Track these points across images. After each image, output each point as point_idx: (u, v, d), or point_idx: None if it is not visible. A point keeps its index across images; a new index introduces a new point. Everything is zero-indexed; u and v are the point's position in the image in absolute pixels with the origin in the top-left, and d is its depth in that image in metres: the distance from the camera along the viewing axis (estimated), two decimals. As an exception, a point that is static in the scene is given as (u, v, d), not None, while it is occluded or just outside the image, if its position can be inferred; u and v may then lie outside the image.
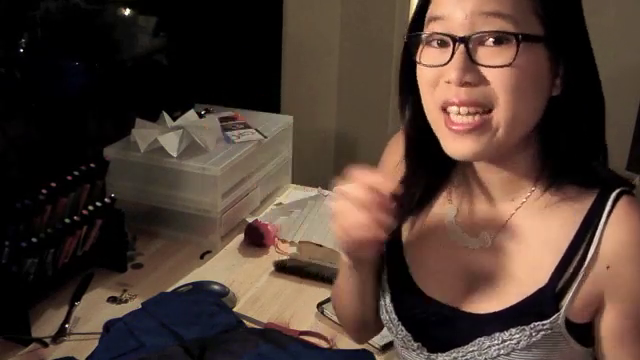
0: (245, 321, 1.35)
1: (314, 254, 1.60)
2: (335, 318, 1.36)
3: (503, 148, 0.81)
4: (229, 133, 1.75)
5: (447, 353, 0.89)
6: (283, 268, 1.53)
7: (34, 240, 1.29)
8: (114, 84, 1.84)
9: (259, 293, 1.46)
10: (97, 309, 1.38)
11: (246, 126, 1.80)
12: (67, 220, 1.37)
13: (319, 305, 1.39)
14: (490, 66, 0.77)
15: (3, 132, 1.63)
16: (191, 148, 1.64)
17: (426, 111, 0.84)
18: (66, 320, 1.33)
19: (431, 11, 0.81)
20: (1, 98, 1.64)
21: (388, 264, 0.97)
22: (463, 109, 0.79)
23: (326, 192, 1.85)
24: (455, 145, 0.81)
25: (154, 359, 1.14)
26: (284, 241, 1.67)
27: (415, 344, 0.93)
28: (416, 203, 0.94)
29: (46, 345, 1.26)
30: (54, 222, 1.37)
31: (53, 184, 1.39)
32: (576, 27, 0.83)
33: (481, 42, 0.78)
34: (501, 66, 0.77)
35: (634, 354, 0.84)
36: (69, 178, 1.44)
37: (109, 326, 1.26)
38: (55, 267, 1.38)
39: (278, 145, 1.86)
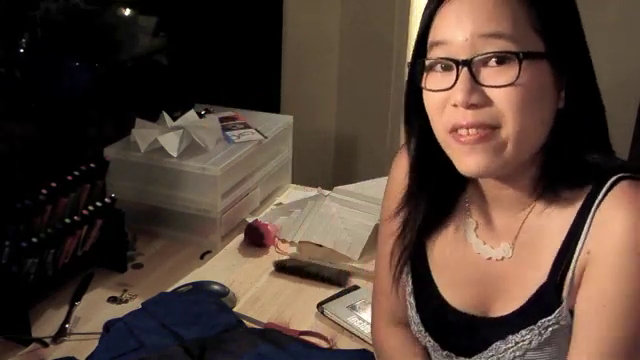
0: (245, 321, 1.35)
1: (314, 254, 1.60)
2: (335, 318, 1.36)
3: (513, 163, 0.83)
4: (229, 133, 1.75)
5: (472, 359, 0.93)
6: (283, 268, 1.53)
7: (34, 240, 1.29)
8: (114, 84, 1.84)
9: (259, 293, 1.47)
10: (97, 309, 1.38)
11: (246, 126, 1.80)
12: (67, 220, 1.37)
13: (319, 305, 1.39)
14: (494, 86, 0.79)
15: (3, 132, 1.63)
16: (191, 148, 1.64)
17: (436, 134, 0.86)
18: (66, 320, 1.33)
19: (432, 36, 0.83)
20: (1, 98, 1.64)
21: (414, 278, 1.01)
22: (472, 130, 0.80)
23: (326, 192, 1.85)
24: (465, 161, 0.83)
25: (154, 359, 1.15)
26: (284, 241, 1.67)
27: (444, 352, 0.97)
28: (436, 218, 0.98)
29: (46, 345, 1.26)
30: (54, 222, 1.37)
31: (53, 184, 1.39)
32: (576, 40, 0.84)
33: (484, 63, 0.79)
34: (505, 85, 0.78)
35: (592, 338, 0.83)
36: (69, 178, 1.44)
37: (109, 326, 1.26)
38: (55, 267, 1.38)
39: (278, 145, 1.87)
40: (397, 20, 2.23)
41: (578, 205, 0.84)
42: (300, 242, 1.66)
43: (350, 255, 1.59)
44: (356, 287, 1.46)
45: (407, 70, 0.89)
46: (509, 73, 0.78)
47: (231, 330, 1.26)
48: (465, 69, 0.79)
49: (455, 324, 0.95)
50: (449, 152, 0.85)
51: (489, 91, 0.79)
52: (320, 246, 1.65)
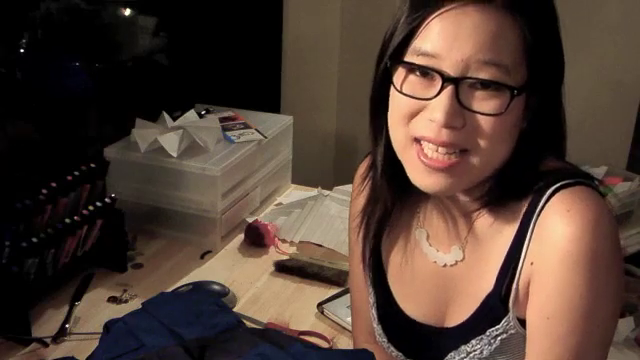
0: (245, 321, 1.34)
1: (314, 254, 1.60)
2: (335, 318, 1.36)
3: (471, 185, 0.82)
4: (229, 133, 1.75)
5: None
6: (283, 268, 1.53)
7: (34, 240, 1.29)
8: (114, 84, 1.84)
9: (259, 293, 1.47)
10: (97, 309, 1.38)
11: (246, 126, 1.80)
12: (67, 220, 1.37)
13: (319, 305, 1.39)
14: (481, 113, 0.76)
15: (3, 132, 1.63)
16: (191, 148, 1.64)
17: (394, 139, 0.83)
18: (66, 320, 1.33)
19: (419, 43, 0.78)
20: (1, 98, 1.64)
21: (374, 292, 1.01)
22: (441, 149, 0.78)
23: (326, 192, 1.85)
24: (426, 180, 0.80)
25: (154, 359, 1.15)
26: (284, 241, 1.67)
27: None
28: (377, 228, 0.96)
29: (46, 345, 1.26)
30: (54, 222, 1.37)
31: (53, 184, 1.39)
32: (558, 67, 0.82)
33: (471, 85, 0.76)
34: (492, 115, 0.76)
35: (541, 351, 0.81)
36: (69, 178, 1.44)
37: (109, 326, 1.26)
38: (55, 267, 1.38)
39: (278, 145, 1.87)
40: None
41: (521, 215, 0.83)
42: (300, 242, 1.66)
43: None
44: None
45: (380, 63, 0.85)
46: (497, 102, 0.76)
47: (231, 330, 1.26)
48: (451, 87, 0.75)
49: (414, 334, 0.95)
50: (407, 165, 0.83)
51: (470, 114, 0.76)
52: (320, 246, 1.65)
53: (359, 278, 1.04)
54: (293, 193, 1.91)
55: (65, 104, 1.75)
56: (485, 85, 0.75)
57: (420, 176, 0.81)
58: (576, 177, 0.82)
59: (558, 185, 0.80)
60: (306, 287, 1.49)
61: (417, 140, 0.80)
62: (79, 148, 1.75)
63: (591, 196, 0.79)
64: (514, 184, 0.83)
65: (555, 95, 0.82)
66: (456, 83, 0.75)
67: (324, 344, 1.29)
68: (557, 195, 0.80)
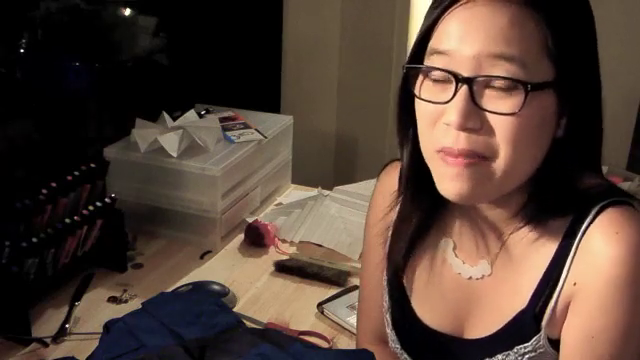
0: (245, 321, 1.34)
1: (314, 254, 1.60)
2: (335, 318, 1.36)
3: (497, 194, 0.79)
4: (229, 133, 1.75)
5: None
6: (283, 268, 1.53)
7: (34, 240, 1.29)
8: (114, 84, 1.84)
9: (259, 293, 1.46)
10: (97, 309, 1.38)
11: (246, 126, 1.80)
12: (67, 220, 1.37)
13: (319, 305, 1.39)
14: (495, 112, 0.73)
15: (3, 132, 1.64)
16: (191, 148, 1.64)
17: (423, 148, 0.81)
18: (66, 320, 1.33)
19: (434, 43, 0.77)
20: (1, 98, 1.64)
21: (390, 297, 0.99)
22: (460, 159, 0.75)
23: (326, 192, 1.85)
24: (449, 185, 0.78)
25: (154, 359, 1.14)
26: (284, 241, 1.67)
27: None
28: (415, 237, 0.93)
29: (46, 345, 1.26)
30: (54, 222, 1.37)
31: (53, 184, 1.39)
32: (589, 67, 0.79)
33: (487, 85, 0.74)
34: (507, 114, 0.73)
35: None
36: (69, 178, 1.44)
37: (109, 326, 1.26)
38: (55, 267, 1.38)
39: (278, 145, 1.87)
40: (397, 21, 2.23)
41: (562, 232, 0.81)
42: (300, 242, 1.66)
43: (350, 255, 1.59)
44: (356, 287, 1.46)
45: (402, 73, 0.82)
46: (513, 101, 0.72)
47: (231, 330, 1.26)
48: (465, 87, 0.73)
49: (430, 343, 0.94)
50: (432, 170, 0.81)
51: (487, 116, 0.74)
52: (320, 246, 1.65)
53: (373, 279, 1.03)
54: (293, 193, 1.91)
55: (65, 104, 1.75)
56: (500, 84, 0.73)
57: (443, 183, 0.79)
58: (618, 196, 0.80)
59: (603, 204, 0.79)
60: (306, 287, 1.49)
61: (439, 151, 0.78)
62: (79, 148, 1.75)
63: (636, 217, 0.78)
64: (552, 200, 0.80)
65: (591, 100, 0.79)
66: (469, 83, 0.73)
67: (324, 344, 1.29)
68: (603, 216, 0.78)
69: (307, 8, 2.31)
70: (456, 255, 0.91)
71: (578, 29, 0.77)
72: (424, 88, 0.78)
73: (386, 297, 1.00)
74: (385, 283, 1.00)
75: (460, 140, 0.75)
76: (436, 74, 0.76)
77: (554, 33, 0.74)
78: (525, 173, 0.78)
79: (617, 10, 2.07)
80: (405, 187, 0.90)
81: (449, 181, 0.78)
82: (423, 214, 0.91)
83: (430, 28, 0.77)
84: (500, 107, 0.73)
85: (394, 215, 0.96)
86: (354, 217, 1.71)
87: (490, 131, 0.74)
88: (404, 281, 0.97)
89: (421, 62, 0.79)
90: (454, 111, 0.74)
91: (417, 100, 0.80)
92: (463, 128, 0.74)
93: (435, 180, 0.80)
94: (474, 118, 0.74)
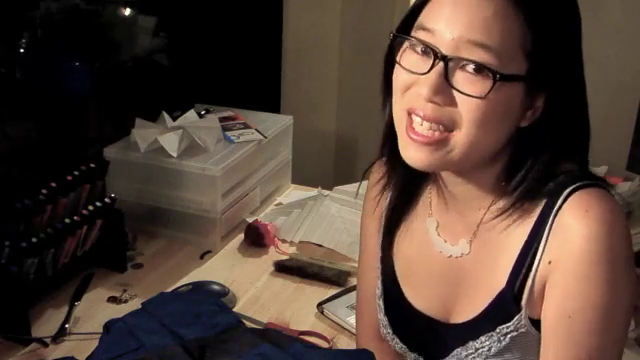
0: (245, 321, 1.34)
1: (314, 254, 1.60)
2: (335, 318, 1.36)
3: (457, 166, 0.84)
4: (229, 133, 1.75)
5: None
6: (283, 268, 1.53)
7: (34, 240, 1.29)
8: (114, 84, 1.84)
9: (259, 293, 1.46)
10: (97, 309, 1.38)
11: (246, 126, 1.80)
12: (67, 220, 1.37)
13: (319, 305, 1.39)
14: (463, 93, 0.78)
15: (3, 132, 1.64)
16: (191, 148, 1.64)
17: (394, 111, 0.85)
18: (66, 320, 1.33)
19: (422, 19, 0.82)
20: (1, 98, 1.64)
21: (383, 283, 1.01)
22: (426, 123, 0.80)
23: (326, 192, 1.85)
24: (410, 153, 0.83)
25: (154, 359, 1.14)
26: (284, 241, 1.67)
27: (412, 354, 0.98)
28: (399, 209, 0.98)
29: (46, 345, 1.26)
30: (54, 222, 1.37)
31: (53, 184, 1.39)
32: (567, 66, 0.82)
33: (461, 67, 0.78)
34: (474, 96, 0.77)
35: (560, 349, 0.82)
36: (69, 178, 1.44)
37: (109, 326, 1.26)
38: (55, 267, 1.38)
39: (278, 145, 1.86)
40: (397, 20, 2.23)
41: (536, 213, 0.84)
42: (300, 242, 1.66)
43: (350, 255, 1.59)
44: (356, 287, 1.46)
45: (389, 39, 0.88)
46: (481, 85, 0.77)
47: (231, 330, 1.26)
48: (441, 64, 0.78)
49: (420, 327, 0.96)
50: (398, 137, 0.85)
51: (455, 95, 0.78)
52: (320, 246, 1.65)
53: (370, 276, 1.05)
54: (293, 193, 1.91)
55: (65, 104, 1.75)
56: (476, 69, 0.77)
57: (406, 150, 0.83)
58: (590, 179, 0.83)
59: (574, 186, 0.82)
60: (306, 287, 1.49)
61: (409, 114, 0.82)
62: (79, 148, 1.75)
63: (606, 197, 0.81)
64: (521, 183, 0.84)
65: (567, 96, 0.82)
66: (446, 61, 0.78)
67: (324, 344, 1.29)
68: (575, 196, 0.81)
69: (307, 8, 2.31)
70: (439, 234, 0.94)
71: (560, 32, 0.81)
72: (405, 57, 0.83)
73: (379, 284, 1.02)
74: (379, 272, 1.02)
75: (427, 108, 0.79)
76: (419, 47, 0.81)
77: (534, 33, 0.78)
78: (483, 153, 0.82)
79: (617, 10, 2.07)
80: (383, 147, 0.94)
81: (411, 149, 0.82)
82: (401, 179, 0.96)
83: (422, 4, 0.83)
84: (468, 89, 0.77)
85: (385, 203, 1.00)
86: (354, 217, 1.71)
87: (456, 108, 0.79)
88: (394, 265, 0.99)
89: (408, 33, 0.84)
90: (427, 84, 0.78)
91: (397, 68, 0.84)
92: (431, 100, 0.79)
93: (399, 147, 0.85)
94: (443, 95, 0.79)
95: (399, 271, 0.99)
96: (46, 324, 1.32)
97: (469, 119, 0.78)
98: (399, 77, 0.83)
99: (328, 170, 2.44)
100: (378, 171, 1.01)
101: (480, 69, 0.77)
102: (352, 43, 2.33)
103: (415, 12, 0.84)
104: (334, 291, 1.45)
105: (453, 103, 0.79)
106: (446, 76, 0.78)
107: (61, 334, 1.29)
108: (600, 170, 1.83)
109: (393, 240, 1.00)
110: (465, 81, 0.78)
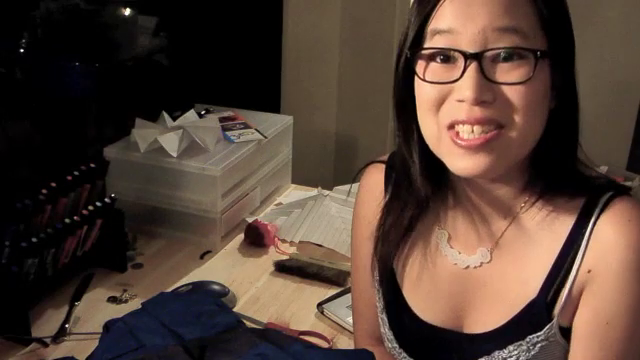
0: (245, 321, 1.34)
1: (314, 254, 1.60)
2: (335, 318, 1.36)
3: (512, 165, 0.80)
4: (229, 133, 1.75)
5: None
6: (283, 268, 1.53)
7: (34, 240, 1.29)
8: (114, 84, 1.84)
9: (259, 293, 1.46)
10: (97, 309, 1.38)
11: (246, 126, 1.80)
12: (67, 220, 1.37)
13: (319, 305, 1.39)
14: (507, 83, 0.75)
15: (3, 132, 1.63)
16: (191, 148, 1.64)
17: (426, 131, 0.81)
18: (66, 320, 1.33)
19: (435, 23, 0.78)
20: (1, 98, 1.64)
21: (384, 296, 0.98)
22: (477, 127, 0.76)
23: (326, 192, 1.85)
24: (464, 162, 0.78)
25: (154, 359, 1.14)
26: (284, 241, 1.67)
27: None
28: (405, 230, 0.93)
29: (46, 345, 1.26)
30: (54, 222, 1.37)
31: (53, 184, 1.39)
32: (571, 39, 0.82)
33: (494, 58, 0.75)
34: (518, 83, 0.75)
35: (594, 356, 0.82)
36: (69, 178, 1.44)
37: (109, 326, 1.26)
38: (55, 267, 1.38)
39: (278, 145, 1.87)
40: (397, 20, 2.23)
41: (571, 220, 0.83)
42: (300, 242, 1.66)
43: (350, 255, 1.59)
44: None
45: (399, 60, 0.83)
46: (521, 70, 0.75)
47: (231, 330, 1.26)
48: (474, 63, 0.74)
49: (430, 340, 0.93)
50: (441, 151, 0.81)
51: (498, 88, 0.75)
52: (320, 246, 1.65)
53: (364, 280, 1.03)
54: (293, 193, 1.91)
55: (65, 104, 1.74)
56: (508, 56, 0.75)
57: (459, 160, 0.79)
58: (619, 188, 0.84)
59: (611, 193, 0.82)
60: (306, 287, 1.49)
61: (450, 127, 0.78)
62: (79, 148, 1.75)
63: None
64: (555, 177, 0.83)
65: (573, 72, 0.82)
66: (478, 58, 0.75)
67: (324, 344, 1.29)
68: (614, 205, 0.81)
69: (307, 8, 2.31)
70: (451, 246, 0.91)
71: (565, 8, 0.81)
72: (429, 71, 0.79)
73: (380, 296, 0.99)
74: (377, 284, 0.99)
75: (475, 112, 0.76)
76: (438, 56, 0.78)
77: (544, 7, 0.77)
78: (532, 143, 0.80)
79: (617, 10, 2.06)
80: (402, 177, 0.90)
81: (464, 159, 0.78)
82: (419, 205, 0.91)
83: (430, 11, 0.78)
84: (511, 77, 0.75)
85: (378, 211, 0.97)
86: (354, 217, 1.71)
87: (503, 102, 0.76)
88: (397, 277, 0.96)
89: (420, 47, 0.80)
90: (467, 87, 0.75)
91: (419, 84, 0.80)
92: (478, 102, 0.75)
93: (446, 161, 0.81)
94: (487, 91, 0.75)
95: (402, 283, 0.96)
96: (46, 324, 1.32)
97: (520, 108, 0.75)
98: (428, 94, 0.79)
99: (328, 170, 2.44)
100: (372, 176, 0.99)
101: (513, 54, 0.75)
102: (352, 43, 2.33)
103: (423, 22, 0.79)
104: (334, 291, 1.45)
105: (498, 98, 0.76)
106: (483, 73, 0.75)
107: (61, 334, 1.29)
108: (600, 170, 1.83)
109: (393, 252, 0.95)
110: (504, 71, 0.75)
